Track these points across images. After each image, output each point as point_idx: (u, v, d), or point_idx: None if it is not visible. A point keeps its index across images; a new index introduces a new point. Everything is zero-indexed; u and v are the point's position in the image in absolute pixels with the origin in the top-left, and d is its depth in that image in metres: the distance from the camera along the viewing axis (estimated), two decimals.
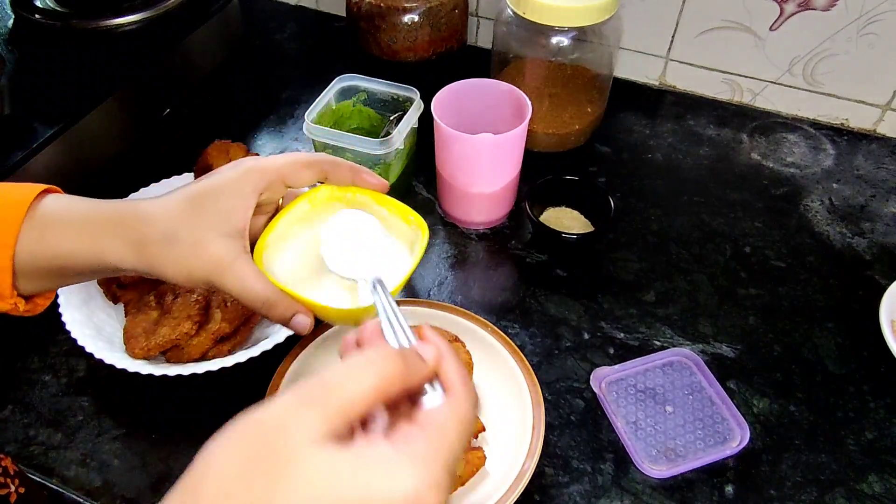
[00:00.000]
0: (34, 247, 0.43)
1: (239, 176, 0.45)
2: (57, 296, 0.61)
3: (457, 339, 0.61)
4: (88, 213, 0.45)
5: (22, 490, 0.50)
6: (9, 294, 0.44)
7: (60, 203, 0.45)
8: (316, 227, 0.50)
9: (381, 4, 0.86)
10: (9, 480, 0.49)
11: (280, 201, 0.50)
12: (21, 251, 0.43)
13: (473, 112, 0.73)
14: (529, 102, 0.69)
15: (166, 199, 0.45)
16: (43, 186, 0.45)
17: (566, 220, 0.74)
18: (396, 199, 0.52)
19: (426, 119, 0.71)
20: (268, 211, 0.49)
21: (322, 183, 0.50)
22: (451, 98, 0.71)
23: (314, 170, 0.48)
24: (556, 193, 0.75)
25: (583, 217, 0.74)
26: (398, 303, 0.43)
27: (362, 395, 0.31)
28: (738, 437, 0.58)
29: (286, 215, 0.50)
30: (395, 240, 0.51)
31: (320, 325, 0.61)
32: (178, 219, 0.44)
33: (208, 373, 0.58)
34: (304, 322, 0.46)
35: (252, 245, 0.47)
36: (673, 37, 0.88)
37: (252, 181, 0.45)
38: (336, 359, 0.62)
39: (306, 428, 0.29)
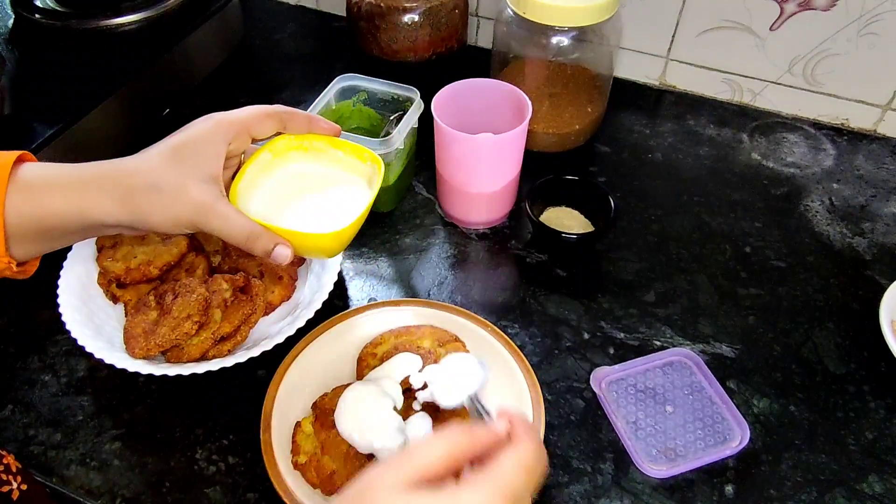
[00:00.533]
0: (22, 208, 0.45)
1: (210, 127, 0.50)
2: (57, 295, 0.61)
3: (457, 339, 0.61)
4: (72, 173, 0.47)
5: (24, 487, 0.50)
6: (1, 252, 0.46)
7: (41, 167, 0.47)
8: (278, 174, 0.56)
9: (381, 4, 0.86)
10: (11, 477, 0.49)
11: (242, 156, 0.54)
12: (9, 213, 0.45)
13: (473, 112, 0.73)
14: (529, 102, 0.69)
15: (146, 153, 0.49)
16: (17, 153, 0.47)
17: (566, 220, 0.74)
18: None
19: (426, 119, 0.71)
20: (232, 165, 0.53)
21: (280, 133, 0.54)
22: (451, 98, 0.71)
23: (275, 119, 0.52)
24: (556, 193, 0.75)
25: (583, 217, 0.74)
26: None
27: (435, 457, 0.37)
28: (738, 437, 0.58)
29: (252, 165, 0.54)
30: (354, 176, 0.56)
31: (317, 327, 0.61)
32: (160, 169, 0.47)
33: (208, 373, 0.58)
34: (285, 252, 0.50)
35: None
36: (673, 37, 0.88)
37: (222, 131, 0.50)
38: (333, 358, 0.62)
39: (387, 481, 0.36)
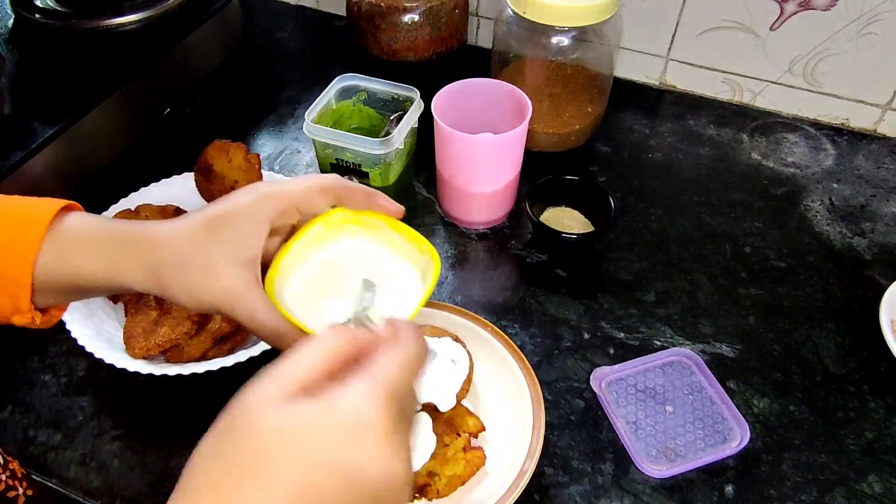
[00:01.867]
0: (52, 265, 0.44)
1: (253, 202, 0.45)
2: None
3: (457, 339, 0.61)
4: (105, 234, 0.45)
5: (30, 492, 0.50)
6: (26, 309, 0.45)
7: (79, 221, 0.45)
8: (327, 250, 0.50)
9: (381, 4, 0.86)
10: (16, 483, 0.49)
11: (296, 222, 0.49)
12: (40, 268, 0.43)
13: (474, 112, 0.73)
14: (530, 102, 0.69)
15: (181, 222, 0.45)
16: (63, 203, 0.45)
17: (566, 220, 0.74)
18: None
19: (426, 119, 0.71)
20: (282, 233, 0.48)
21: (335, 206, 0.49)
22: (452, 98, 0.71)
23: (328, 196, 0.47)
24: (556, 193, 0.75)
25: (583, 217, 0.74)
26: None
27: (310, 363, 0.34)
28: (738, 437, 0.58)
29: (300, 239, 0.49)
30: (408, 265, 0.50)
31: None
32: (191, 244, 0.44)
33: (208, 373, 0.58)
34: None
35: (265, 267, 0.46)
36: (673, 36, 0.88)
37: (266, 209, 0.45)
38: None
39: (260, 394, 0.32)
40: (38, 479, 0.55)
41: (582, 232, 0.71)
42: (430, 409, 0.55)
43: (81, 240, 0.44)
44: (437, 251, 0.49)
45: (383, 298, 0.47)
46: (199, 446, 0.33)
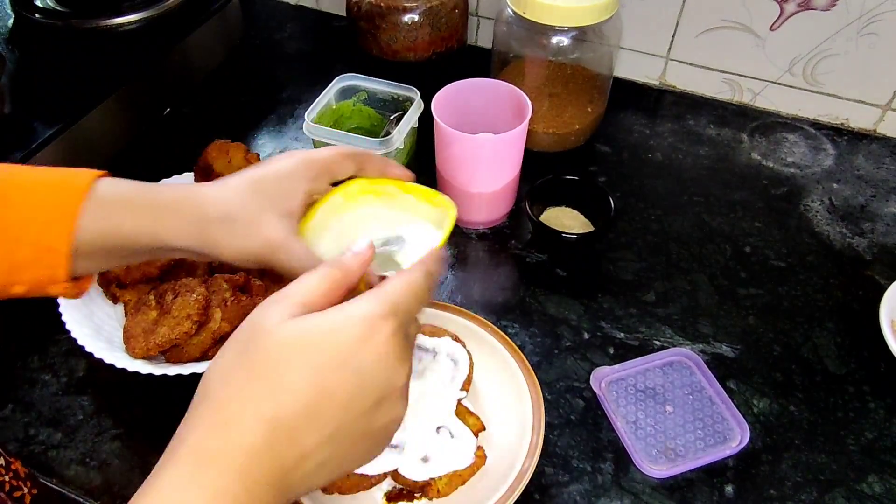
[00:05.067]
0: (95, 226, 0.45)
1: (295, 163, 0.49)
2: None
3: (457, 339, 0.61)
4: (147, 194, 0.47)
5: (35, 491, 0.50)
6: (63, 278, 0.45)
7: (117, 184, 0.47)
8: (347, 216, 0.54)
9: (381, 4, 0.86)
10: (21, 483, 0.49)
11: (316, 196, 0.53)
12: (81, 233, 0.44)
13: (473, 112, 0.73)
14: (529, 102, 0.69)
15: (224, 182, 0.48)
16: (98, 172, 0.46)
17: (566, 220, 0.74)
18: None
19: (426, 119, 0.71)
20: (308, 203, 0.52)
21: (354, 176, 0.53)
22: (452, 98, 0.71)
23: (353, 161, 0.52)
24: (556, 193, 0.75)
25: (583, 217, 0.74)
26: None
27: (316, 285, 0.37)
28: (738, 437, 0.58)
29: (323, 206, 0.53)
30: (426, 222, 0.54)
31: None
32: (236, 200, 0.47)
33: None
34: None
35: None
36: (673, 37, 0.88)
37: (306, 169, 0.49)
38: None
39: (272, 315, 0.35)
40: (42, 480, 0.55)
41: (582, 232, 0.71)
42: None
43: (123, 201, 0.46)
44: (448, 199, 0.53)
45: (406, 250, 0.52)
46: (211, 367, 0.36)
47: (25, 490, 0.50)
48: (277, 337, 0.34)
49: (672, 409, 0.60)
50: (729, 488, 0.56)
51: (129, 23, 0.86)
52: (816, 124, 0.89)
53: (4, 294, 0.46)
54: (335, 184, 0.53)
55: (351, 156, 0.52)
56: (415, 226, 0.54)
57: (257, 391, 0.33)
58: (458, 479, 0.53)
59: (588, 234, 0.70)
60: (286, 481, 0.33)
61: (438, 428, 0.55)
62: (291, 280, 0.44)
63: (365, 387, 0.34)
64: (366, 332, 0.34)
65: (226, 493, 0.31)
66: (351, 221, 0.54)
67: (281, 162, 0.49)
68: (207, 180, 0.68)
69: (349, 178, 0.54)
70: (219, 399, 0.34)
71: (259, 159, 0.70)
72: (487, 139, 0.69)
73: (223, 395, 0.34)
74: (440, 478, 0.53)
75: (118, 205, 0.46)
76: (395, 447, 0.53)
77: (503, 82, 0.72)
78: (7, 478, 0.47)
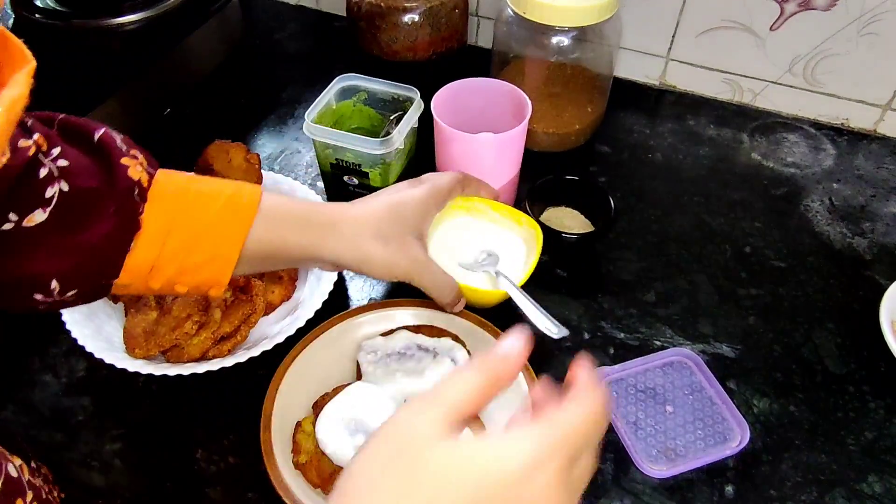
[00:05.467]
0: (263, 237, 0.49)
1: (427, 191, 0.57)
2: None
3: (457, 339, 0.61)
4: (306, 211, 0.52)
5: (62, 496, 0.51)
6: (225, 283, 0.49)
7: (281, 201, 0.52)
8: (449, 229, 0.66)
9: (381, 4, 0.86)
10: (49, 487, 0.49)
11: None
12: (251, 241, 0.48)
13: (473, 111, 0.73)
14: (529, 102, 0.69)
15: (370, 204, 0.55)
16: (260, 187, 0.50)
17: (566, 220, 0.74)
18: None
19: (426, 119, 0.71)
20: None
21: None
22: (451, 97, 0.71)
23: (463, 185, 0.62)
24: (556, 193, 0.75)
25: (583, 217, 0.74)
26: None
27: (469, 392, 0.33)
28: (738, 437, 0.58)
29: None
30: (513, 234, 0.67)
31: (317, 327, 0.61)
32: (385, 223, 0.53)
33: (208, 373, 0.58)
34: (461, 306, 0.60)
35: None
36: (673, 37, 0.88)
37: (434, 198, 0.57)
38: (333, 358, 0.62)
39: (428, 424, 0.32)
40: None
41: (582, 232, 0.71)
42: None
43: (287, 217, 0.51)
44: (533, 219, 0.65)
45: (500, 266, 0.64)
46: (358, 464, 0.33)
47: (55, 494, 0.50)
48: (436, 457, 0.32)
49: (672, 409, 0.60)
50: (729, 488, 0.56)
51: (129, 23, 0.86)
52: (816, 124, 0.89)
53: (167, 291, 0.48)
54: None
55: (462, 181, 0.61)
56: (505, 242, 0.66)
57: None
58: None
59: (588, 233, 0.70)
60: None
61: None
62: (429, 295, 0.56)
63: None
64: (529, 470, 0.31)
65: None
66: (452, 233, 0.66)
67: (415, 189, 0.56)
68: None
69: None
70: None
71: (259, 160, 0.70)
72: (487, 138, 0.69)
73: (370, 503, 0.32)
74: None
75: (285, 220, 0.51)
76: None
77: (503, 82, 0.72)
78: (38, 482, 0.47)
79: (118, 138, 0.47)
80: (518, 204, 0.76)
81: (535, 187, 0.73)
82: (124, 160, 0.45)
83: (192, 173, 0.50)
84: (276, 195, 0.52)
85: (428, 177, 0.60)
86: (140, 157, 0.47)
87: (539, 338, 0.65)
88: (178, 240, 0.46)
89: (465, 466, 0.31)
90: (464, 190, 0.62)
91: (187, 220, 0.47)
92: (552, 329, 0.57)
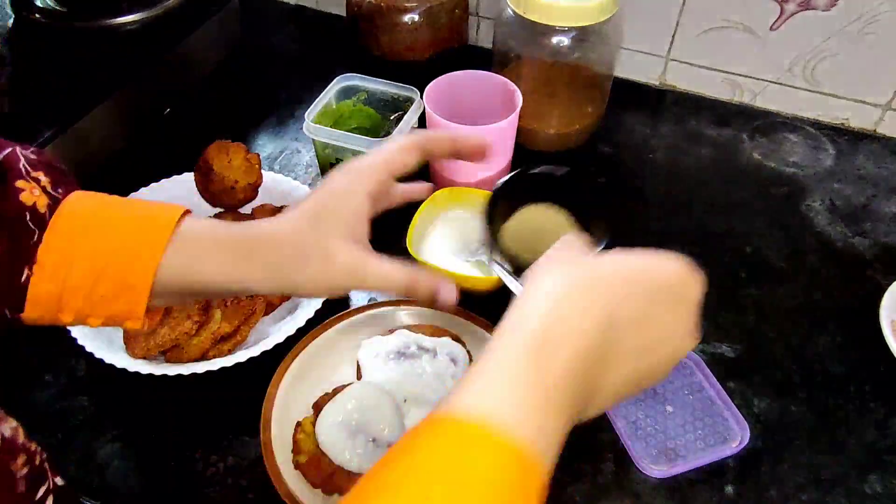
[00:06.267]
0: (175, 271, 0.44)
1: (350, 181, 0.47)
2: None
3: (457, 339, 0.61)
4: (224, 239, 0.45)
5: (61, 482, 0.49)
6: (140, 315, 0.45)
7: (197, 226, 0.46)
8: (443, 221, 0.68)
9: (381, 4, 0.86)
10: (50, 473, 0.48)
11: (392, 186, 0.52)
12: (163, 272, 0.43)
13: (466, 104, 0.74)
14: (520, 94, 0.69)
15: (290, 217, 0.47)
16: (181, 209, 0.45)
17: (547, 227, 0.57)
18: None
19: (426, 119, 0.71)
20: (382, 205, 0.51)
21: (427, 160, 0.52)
22: (444, 89, 0.71)
23: (415, 152, 0.49)
24: (537, 187, 0.57)
25: (568, 220, 0.57)
26: None
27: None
28: (738, 437, 0.58)
29: (420, 216, 0.66)
30: None
31: (317, 327, 0.61)
32: (305, 236, 0.45)
33: (208, 373, 0.58)
34: (451, 294, 0.47)
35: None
36: (673, 37, 0.88)
37: (363, 184, 0.47)
38: (333, 358, 0.61)
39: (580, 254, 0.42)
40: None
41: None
42: None
43: (202, 245, 0.45)
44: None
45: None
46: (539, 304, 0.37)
47: (50, 479, 0.49)
48: (603, 266, 0.39)
49: (672, 409, 0.60)
50: (729, 488, 0.56)
51: (129, 23, 0.86)
52: (817, 124, 0.89)
53: (81, 323, 0.45)
54: (408, 179, 0.51)
55: (412, 147, 0.49)
56: None
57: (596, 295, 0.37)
58: None
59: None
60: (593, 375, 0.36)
61: None
62: (388, 293, 0.48)
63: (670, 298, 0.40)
64: (687, 275, 0.42)
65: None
66: (446, 226, 0.67)
67: (337, 180, 0.48)
68: (207, 180, 0.69)
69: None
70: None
71: (259, 160, 0.70)
72: (477, 129, 0.69)
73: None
74: None
75: (200, 248, 0.45)
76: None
77: (495, 74, 0.73)
78: (45, 465, 0.46)
79: (24, 159, 0.44)
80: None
81: (505, 186, 0.56)
82: (19, 183, 0.42)
83: (115, 196, 0.46)
84: (202, 219, 0.46)
85: (360, 158, 0.49)
86: (44, 179, 0.43)
87: None
88: (81, 270, 0.42)
89: (633, 267, 0.39)
90: (430, 154, 0.50)
91: (90, 249, 0.43)
92: None
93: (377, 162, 0.48)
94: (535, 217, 0.59)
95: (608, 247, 0.54)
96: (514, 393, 0.33)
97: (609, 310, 0.36)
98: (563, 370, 0.34)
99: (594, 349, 0.35)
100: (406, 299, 0.65)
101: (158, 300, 0.45)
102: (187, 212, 0.46)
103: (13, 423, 0.42)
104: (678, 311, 0.41)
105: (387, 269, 0.46)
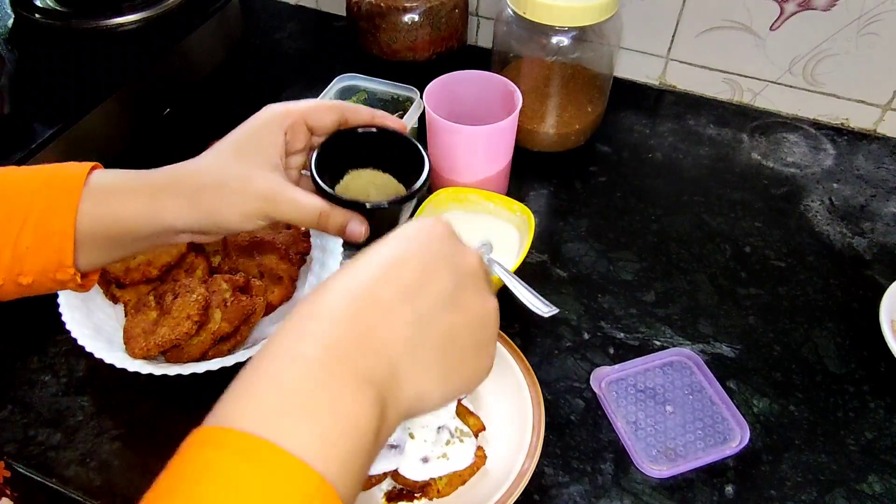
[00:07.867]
0: (94, 212, 0.46)
1: (267, 118, 0.50)
2: (57, 295, 0.61)
3: None
4: (142, 179, 0.48)
5: (16, 494, 0.50)
6: (70, 263, 0.46)
7: (112, 174, 0.48)
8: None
9: (381, 4, 0.86)
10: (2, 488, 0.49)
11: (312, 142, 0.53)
12: (82, 218, 0.45)
13: (465, 104, 0.74)
14: (519, 93, 0.69)
15: (208, 153, 0.49)
16: (91, 164, 0.48)
17: (372, 189, 0.55)
18: None
19: (426, 119, 0.71)
20: (300, 150, 0.52)
21: (343, 126, 0.53)
22: (444, 89, 0.71)
23: (335, 112, 0.52)
24: (357, 153, 0.54)
25: (394, 180, 0.54)
26: None
27: None
28: (738, 437, 0.58)
29: (420, 215, 0.66)
30: (506, 223, 0.69)
31: None
32: (224, 166, 0.48)
33: (208, 373, 0.58)
34: (358, 229, 0.49)
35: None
36: (673, 36, 0.88)
37: (277, 120, 0.50)
38: None
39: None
40: (34, 477, 0.55)
41: (390, 199, 0.50)
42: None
43: (119, 187, 0.47)
44: (526, 207, 0.66)
45: (496, 248, 0.66)
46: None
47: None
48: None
49: (672, 409, 0.60)
50: (729, 488, 0.56)
51: (129, 23, 0.86)
52: (816, 124, 0.89)
53: (14, 287, 0.46)
54: (363, 162, 0.53)
55: (331, 108, 0.52)
56: (498, 230, 0.68)
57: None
58: (458, 479, 0.53)
59: (399, 199, 0.50)
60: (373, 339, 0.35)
61: (439, 428, 0.55)
62: (299, 225, 0.49)
63: (433, 253, 0.38)
64: (421, 225, 0.40)
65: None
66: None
67: (255, 118, 0.50)
68: None
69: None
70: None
71: None
72: (476, 129, 0.69)
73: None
74: (440, 478, 0.53)
75: (115, 191, 0.47)
76: (395, 447, 0.53)
77: (495, 74, 0.73)
78: None
79: None
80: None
81: (322, 151, 0.52)
82: None
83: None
84: (114, 170, 0.48)
85: (279, 103, 0.51)
86: None
87: (538, 335, 0.65)
88: (3, 225, 0.45)
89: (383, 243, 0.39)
90: (346, 121, 0.52)
91: (10, 206, 0.45)
92: (542, 308, 0.60)
93: (295, 108, 0.51)
94: (363, 181, 0.56)
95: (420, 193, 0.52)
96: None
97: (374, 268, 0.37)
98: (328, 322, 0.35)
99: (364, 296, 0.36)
100: None
101: (89, 254, 0.47)
102: (97, 165, 0.48)
103: None
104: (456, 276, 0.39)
105: (301, 198, 0.47)
